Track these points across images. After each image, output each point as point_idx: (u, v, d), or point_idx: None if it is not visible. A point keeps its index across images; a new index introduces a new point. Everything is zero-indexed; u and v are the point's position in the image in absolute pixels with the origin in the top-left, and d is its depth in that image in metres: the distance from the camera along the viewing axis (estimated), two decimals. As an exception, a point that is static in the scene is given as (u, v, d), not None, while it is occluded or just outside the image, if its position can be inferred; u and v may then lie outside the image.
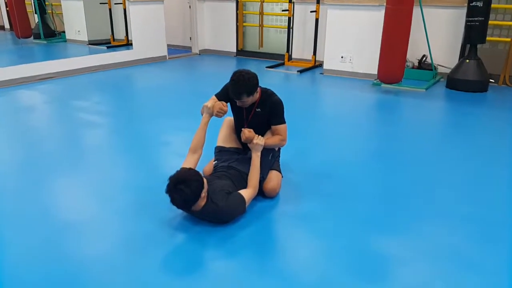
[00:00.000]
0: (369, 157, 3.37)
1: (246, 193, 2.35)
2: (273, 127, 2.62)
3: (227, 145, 2.74)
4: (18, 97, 4.99)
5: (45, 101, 4.91)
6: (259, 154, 2.47)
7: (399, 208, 2.53)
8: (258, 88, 2.56)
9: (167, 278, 1.88)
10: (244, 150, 2.77)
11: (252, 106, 2.61)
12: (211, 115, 2.57)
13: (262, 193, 2.57)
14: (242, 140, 2.53)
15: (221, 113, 2.56)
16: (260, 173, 2.48)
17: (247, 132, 2.48)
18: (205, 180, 2.19)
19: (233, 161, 2.58)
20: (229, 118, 2.81)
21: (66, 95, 5.14)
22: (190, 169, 2.27)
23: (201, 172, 2.33)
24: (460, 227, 2.31)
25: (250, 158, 2.50)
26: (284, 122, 2.63)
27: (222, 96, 2.67)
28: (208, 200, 2.20)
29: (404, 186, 2.81)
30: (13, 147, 3.48)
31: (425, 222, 2.36)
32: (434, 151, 3.47)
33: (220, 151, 2.70)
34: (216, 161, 2.66)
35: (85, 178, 2.88)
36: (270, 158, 2.63)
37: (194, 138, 2.53)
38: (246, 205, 2.32)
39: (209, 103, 2.57)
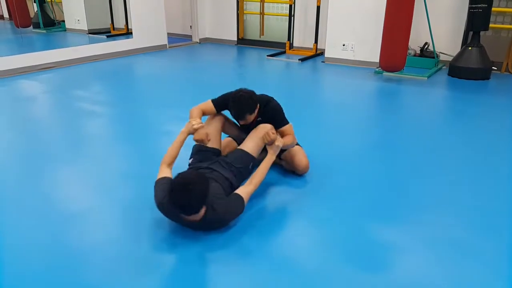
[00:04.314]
0: (370, 146, 3.36)
1: (246, 192, 2.21)
2: (279, 130, 2.60)
3: (209, 144, 2.55)
4: (18, 87, 4.97)
5: (45, 91, 4.89)
6: (275, 156, 2.45)
7: (399, 196, 2.52)
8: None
9: (173, 268, 1.89)
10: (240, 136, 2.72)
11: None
12: (190, 134, 2.43)
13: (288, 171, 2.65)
14: (266, 142, 2.44)
15: (200, 143, 2.46)
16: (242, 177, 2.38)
17: (272, 135, 2.42)
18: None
19: (212, 162, 2.40)
20: (218, 117, 2.67)
21: (66, 85, 5.12)
22: (196, 172, 2.10)
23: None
24: (461, 216, 2.31)
25: (228, 162, 2.37)
26: (288, 122, 2.63)
27: (220, 104, 2.60)
28: (208, 207, 2.02)
29: (405, 175, 2.81)
30: (14, 137, 3.47)
31: (426, 211, 2.35)
32: (436, 139, 3.46)
33: (199, 151, 2.53)
34: (192, 159, 2.52)
35: (86, 168, 2.88)
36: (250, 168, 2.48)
37: (169, 152, 2.34)
38: (245, 205, 2.20)
39: (195, 123, 2.41)
